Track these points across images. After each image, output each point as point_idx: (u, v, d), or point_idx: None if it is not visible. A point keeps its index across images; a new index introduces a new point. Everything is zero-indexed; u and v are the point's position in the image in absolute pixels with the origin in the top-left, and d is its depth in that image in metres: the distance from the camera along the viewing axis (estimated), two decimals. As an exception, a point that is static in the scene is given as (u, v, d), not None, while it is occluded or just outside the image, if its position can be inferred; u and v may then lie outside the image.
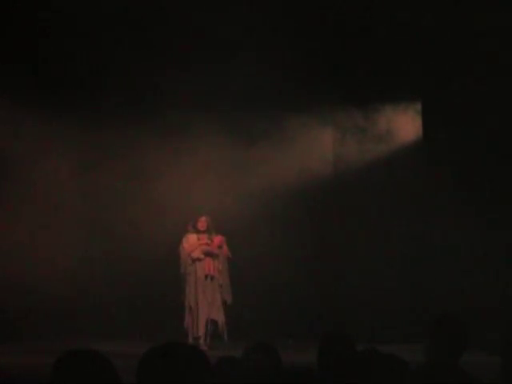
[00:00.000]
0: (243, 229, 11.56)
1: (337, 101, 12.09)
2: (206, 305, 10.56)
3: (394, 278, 11.61)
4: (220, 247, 10.72)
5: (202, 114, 11.44)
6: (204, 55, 11.24)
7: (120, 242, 11.74)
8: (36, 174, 11.60)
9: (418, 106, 11.87)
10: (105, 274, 11.93)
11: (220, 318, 10.62)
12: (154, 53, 11.32)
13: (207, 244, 10.69)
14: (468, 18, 10.23)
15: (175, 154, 11.81)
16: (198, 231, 10.73)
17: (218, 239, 10.73)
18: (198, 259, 10.63)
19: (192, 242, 10.69)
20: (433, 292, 11.10)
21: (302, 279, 11.86)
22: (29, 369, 7.96)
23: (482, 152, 10.80)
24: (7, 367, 8.10)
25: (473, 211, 10.62)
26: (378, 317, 11.50)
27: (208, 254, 10.67)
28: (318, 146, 12.26)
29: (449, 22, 10.46)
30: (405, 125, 11.96)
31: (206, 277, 10.64)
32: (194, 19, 10.94)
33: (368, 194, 11.82)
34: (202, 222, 10.73)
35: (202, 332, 10.53)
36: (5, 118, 11.48)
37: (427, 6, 10.55)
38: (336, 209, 12.20)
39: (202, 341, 10.44)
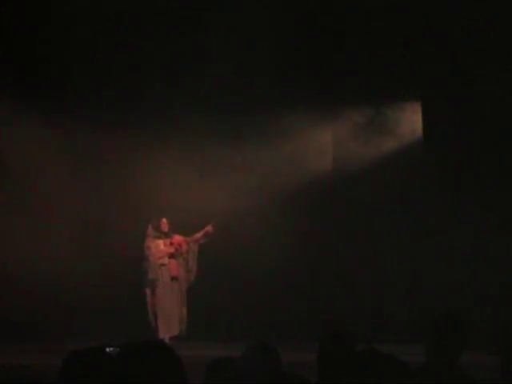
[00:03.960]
0: (243, 228, 11.55)
1: (337, 100, 12.09)
2: (176, 305, 10.82)
3: (394, 277, 11.61)
4: (180, 246, 10.91)
5: (200, 114, 11.44)
6: (201, 53, 11.25)
7: (117, 242, 11.72)
8: (28, 174, 11.64)
9: (418, 106, 11.87)
10: (103, 273, 11.90)
11: (185, 315, 10.91)
12: (151, 52, 11.37)
13: (172, 252, 10.89)
14: (468, 15, 10.24)
15: (173, 154, 11.79)
16: (160, 233, 10.88)
17: (176, 240, 10.92)
18: (163, 264, 10.83)
19: (160, 248, 10.86)
20: (433, 292, 11.10)
21: (301, 279, 11.86)
22: (29, 369, 7.97)
23: (483, 151, 10.81)
24: (7, 367, 8.12)
25: (473, 210, 10.63)
26: (378, 317, 11.50)
27: (172, 256, 10.90)
28: (318, 145, 12.26)
29: (449, 20, 10.47)
30: (405, 124, 11.96)
31: (172, 279, 10.88)
32: (190, 18, 10.99)
33: (368, 193, 11.82)
34: (165, 224, 10.89)
35: (177, 331, 10.77)
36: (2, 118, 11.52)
37: (428, 4, 10.56)
38: (336, 208, 12.19)
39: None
